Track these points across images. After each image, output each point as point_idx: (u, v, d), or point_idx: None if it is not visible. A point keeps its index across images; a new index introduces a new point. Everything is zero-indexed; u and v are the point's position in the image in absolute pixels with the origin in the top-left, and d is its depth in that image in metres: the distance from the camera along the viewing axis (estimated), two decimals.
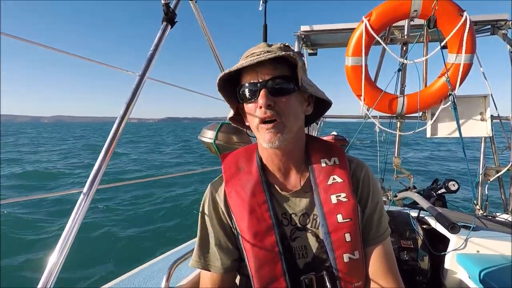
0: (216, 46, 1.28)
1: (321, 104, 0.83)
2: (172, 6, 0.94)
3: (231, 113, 0.83)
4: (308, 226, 0.77)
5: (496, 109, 2.62)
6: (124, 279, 1.03)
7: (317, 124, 3.16)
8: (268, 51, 0.70)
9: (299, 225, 0.77)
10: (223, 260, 0.79)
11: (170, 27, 0.93)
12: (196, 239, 0.83)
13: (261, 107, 0.68)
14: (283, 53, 0.65)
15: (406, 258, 1.58)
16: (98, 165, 0.66)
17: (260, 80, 0.70)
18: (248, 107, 0.73)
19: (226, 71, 0.69)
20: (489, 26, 2.66)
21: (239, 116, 0.83)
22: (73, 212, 0.60)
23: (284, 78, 0.70)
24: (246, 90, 0.72)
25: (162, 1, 0.92)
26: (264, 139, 0.71)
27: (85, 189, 0.62)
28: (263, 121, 0.70)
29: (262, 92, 0.68)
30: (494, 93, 2.60)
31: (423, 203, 1.80)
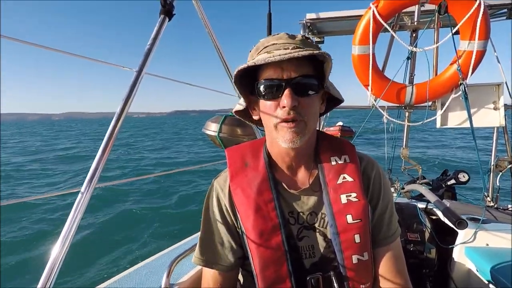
0: (218, 40, 1.25)
1: (330, 100, 0.80)
2: None
3: (238, 106, 0.81)
4: (316, 225, 0.75)
5: (511, 97, 2.52)
6: (125, 275, 1.04)
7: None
8: (296, 45, 0.65)
9: (306, 224, 0.75)
10: (225, 258, 0.77)
11: (168, 20, 0.90)
12: (199, 236, 0.82)
13: (284, 107, 0.65)
14: (317, 51, 0.61)
15: (413, 251, 1.56)
16: (96, 163, 0.65)
17: (285, 77, 0.65)
18: (267, 104, 0.69)
19: (251, 63, 0.64)
20: (505, 10, 2.53)
21: (246, 110, 0.80)
22: (72, 212, 0.60)
23: (310, 77, 0.66)
24: (268, 87, 0.67)
25: None
26: (284, 138, 0.68)
27: (83, 188, 0.62)
28: (285, 120, 0.67)
29: (287, 92, 0.64)
30: (509, 81, 2.50)
31: (430, 196, 1.76)
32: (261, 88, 0.68)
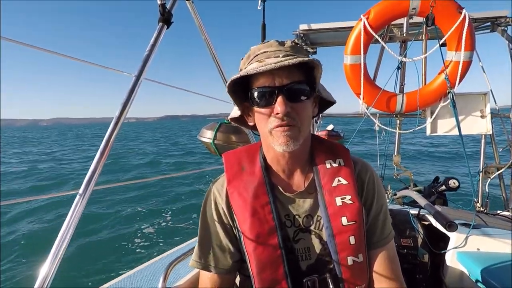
0: (214, 46, 1.28)
1: (323, 103, 0.82)
2: (168, 6, 0.94)
3: (234, 113, 0.81)
4: (312, 227, 0.76)
5: (496, 103, 2.61)
6: (122, 279, 1.03)
7: (316, 122, 3.16)
8: (287, 53, 0.66)
9: (302, 226, 0.76)
10: (223, 261, 0.78)
11: (166, 27, 0.93)
12: (197, 239, 0.82)
13: (278, 114, 0.66)
14: (307, 58, 0.62)
15: (406, 256, 1.58)
16: (94, 166, 0.66)
17: (277, 85, 0.66)
18: (261, 111, 0.69)
19: (243, 73, 0.65)
20: (489, 23, 2.65)
21: (241, 116, 0.81)
22: (69, 213, 0.60)
23: (301, 83, 0.67)
24: (261, 95, 0.67)
25: (158, 2, 0.92)
26: (278, 142, 0.68)
27: (80, 190, 0.63)
28: (279, 126, 0.67)
29: (280, 99, 0.65)
30: (494, 89, 2.59)
31: (421, 201, 1.80)
32: (254, 96, 0.68)
